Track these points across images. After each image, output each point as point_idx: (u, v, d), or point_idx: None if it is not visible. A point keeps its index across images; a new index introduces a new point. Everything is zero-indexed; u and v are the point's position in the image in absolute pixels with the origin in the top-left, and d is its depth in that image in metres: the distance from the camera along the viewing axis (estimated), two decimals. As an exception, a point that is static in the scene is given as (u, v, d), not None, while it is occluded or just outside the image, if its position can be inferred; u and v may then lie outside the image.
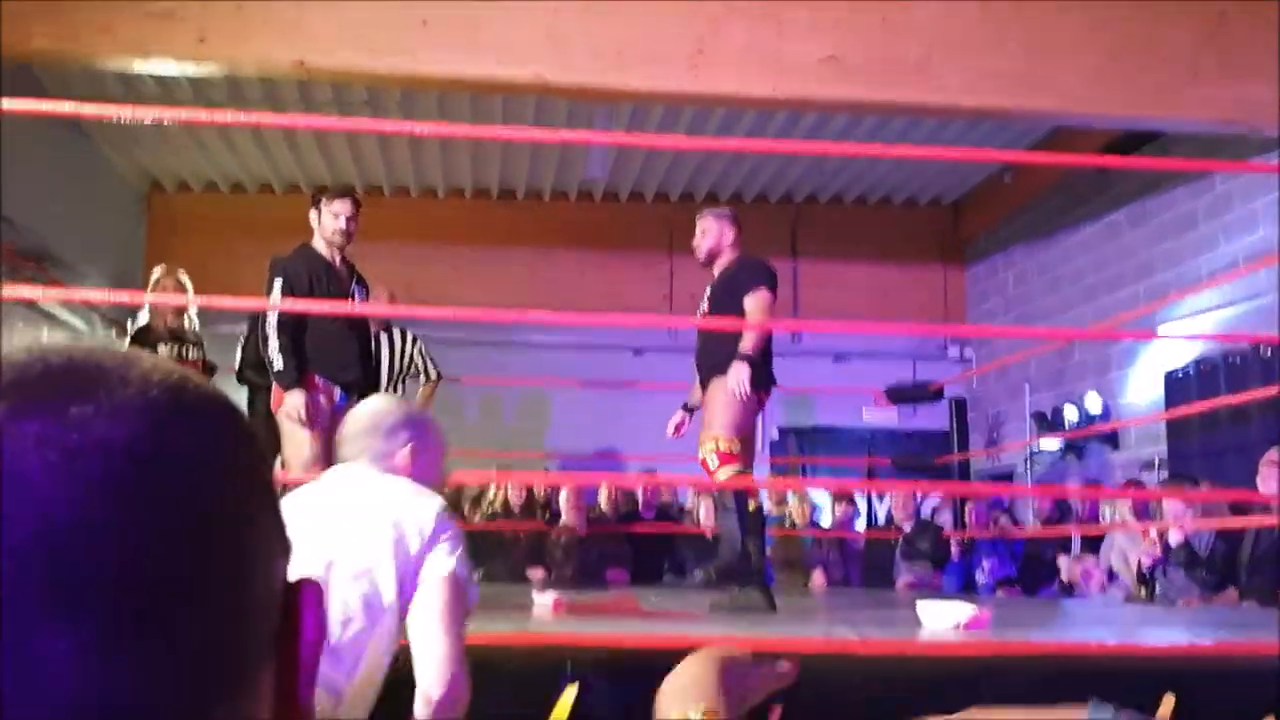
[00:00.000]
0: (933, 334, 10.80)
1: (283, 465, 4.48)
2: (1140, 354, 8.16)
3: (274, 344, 4.36)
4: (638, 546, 7.26)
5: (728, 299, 4.54)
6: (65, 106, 3.99)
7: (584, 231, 9.99)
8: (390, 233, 9.80)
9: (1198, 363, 7.30)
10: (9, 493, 0.40)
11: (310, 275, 4.53)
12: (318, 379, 4.47)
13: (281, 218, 9.79)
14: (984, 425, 10.01)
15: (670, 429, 4.96)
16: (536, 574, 6.91)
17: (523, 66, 5.56)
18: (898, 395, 7.90)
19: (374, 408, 2.34)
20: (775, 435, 10.49)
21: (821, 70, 5.67)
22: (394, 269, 9.26)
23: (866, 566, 7.70)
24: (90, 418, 0.43)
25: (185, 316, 5.92)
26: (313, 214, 4.71)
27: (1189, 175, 7.61)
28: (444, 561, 2.08)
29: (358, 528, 2.06)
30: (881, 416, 10.20)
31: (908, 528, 7.53)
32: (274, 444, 5.43)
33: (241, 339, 5.92)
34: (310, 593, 0.50)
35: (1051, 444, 8.78)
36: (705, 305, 4.70)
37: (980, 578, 7.15)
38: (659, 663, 2.94)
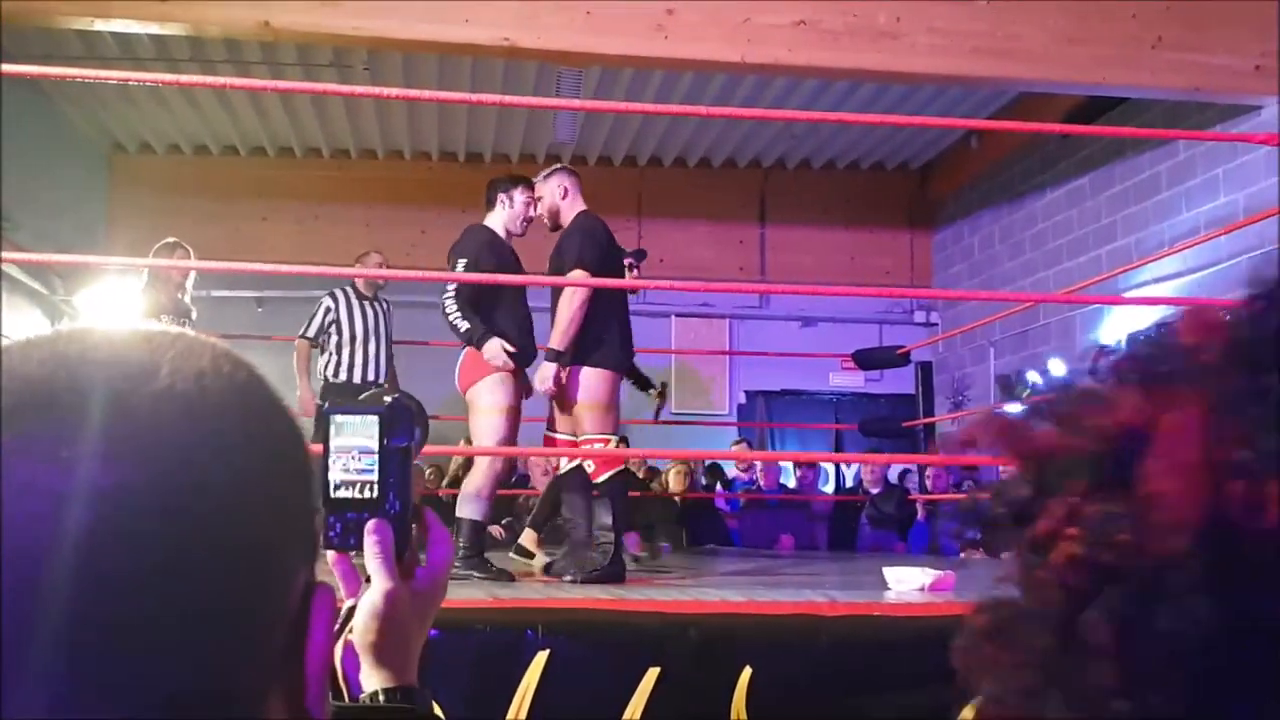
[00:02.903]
0: (899, 296, 10.85)
1: (467, 441, 4.32)
2: (1103, 319, 8.25)
3: (454, 309, 4.22)
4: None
5: (555, 266, 4.33)
6: (36, 67, 3.93)
7: (552, 195, 9.94)
8: (356, 195, 9.75)
9: (1159, 326, 7.37)
10: None
11: (497, 256, 4.39)
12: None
13: (245, 179, 9.72)
14: (949, 389, 10.10)
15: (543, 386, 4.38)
16: (496, 530, 6.93)
17: (490, 29, 5.52)
18: (865, 359, 7.93)
19: None
20: (743, 399, 10.55)
21: (790, 35, 5.67)
22: (360, 231, 9.23)
23: (833, 529, 7.77)
24: (83, 460, 0.40)
25: (183, 290, 5.92)
26: (501, 197, 4.56)
27: (1153, 140, 7.67)
28: None
29: None
30: (848, 380, 10.27)
31: (875, 490, 7.60)
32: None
33: None
34: (321, 600, 0.48)
35: (1015, 408, 8.87)
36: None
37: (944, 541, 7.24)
38: (626, 626, 2.93)
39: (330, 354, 6.22)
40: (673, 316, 10.35)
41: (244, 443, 0.45)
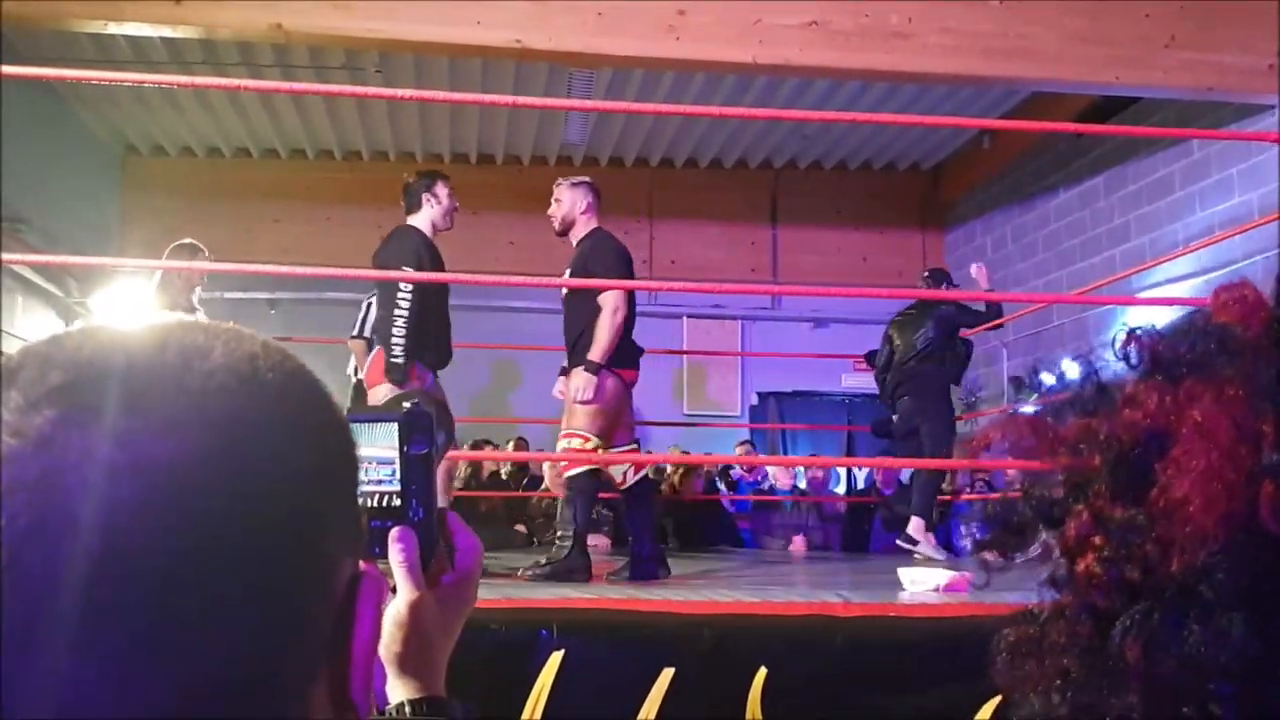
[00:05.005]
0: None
1: None
2: (1117, 319, 8.22)
3: (401, 337, 4.26)
4: (619, 512, 7.28)
5: (580, 274, 4.42)
6: (49, 70, 3.93)
7: (563, 196, 9.93)
8: (368, 196, 9.75)
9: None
10: (47, 511, 0.39)
11: (434, 256, 4.49)
12: (417, 366, 4.35)
13: (257, 181, 9.75)
14: (963, 389, 10.06)
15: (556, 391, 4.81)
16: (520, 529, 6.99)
17: (501, 30, 5.53)
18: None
19: None
20: (755, 400, 10.53)
21: (802, 36, 5.66)
22: (372, 233, 9.22)
23: (846, 530, 7.75)
24: (136, 433, 0.40)
25: (196, 291, 5.90)
26: (426, 196, 4.63)
27: (1166, 140, 7.64)
28: None
29: None
30: (861, 381, 10.24)
31: (887, 491, 7.58)
32: None
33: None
34: (368, 590, 0.48)
35: (1029, 408, 8.85)
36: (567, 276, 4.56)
37: (959, 541, 7.22)
38: (641, 626, 2.91)
39: None
40: (684, 317, 10.33)
41: (293, 426, 0.45)
